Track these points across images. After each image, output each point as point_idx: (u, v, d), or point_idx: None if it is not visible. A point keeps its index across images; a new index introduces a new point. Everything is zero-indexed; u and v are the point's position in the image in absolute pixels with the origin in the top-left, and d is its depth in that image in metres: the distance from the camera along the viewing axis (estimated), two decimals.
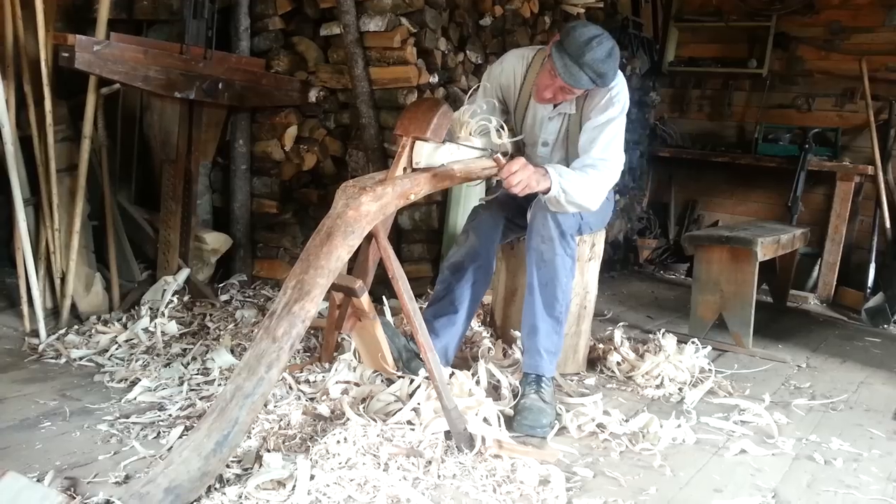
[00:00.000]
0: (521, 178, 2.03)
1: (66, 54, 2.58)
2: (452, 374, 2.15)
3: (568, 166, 2.24)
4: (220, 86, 3.05)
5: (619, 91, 2.29)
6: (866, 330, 3.85)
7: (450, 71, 3.38)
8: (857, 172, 4.44)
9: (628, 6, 5.04)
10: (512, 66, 2.44)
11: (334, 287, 2.09)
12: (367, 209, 1.89)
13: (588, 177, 2.19)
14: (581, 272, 2.55)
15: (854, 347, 3.47)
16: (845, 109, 4.73)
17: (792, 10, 4.78)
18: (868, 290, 4.23)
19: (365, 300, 2.09)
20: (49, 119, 2.65)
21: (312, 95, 3.38)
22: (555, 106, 2.38)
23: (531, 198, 2.38)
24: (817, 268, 4.58)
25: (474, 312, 2.52)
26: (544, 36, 3.82)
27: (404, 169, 2.05)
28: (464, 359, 2.57)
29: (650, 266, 5.11)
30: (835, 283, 4.46)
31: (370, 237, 2.08)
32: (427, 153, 2.07)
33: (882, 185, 4.37)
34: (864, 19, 4.64)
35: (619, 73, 2.30)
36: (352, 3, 3.11)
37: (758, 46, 4.94)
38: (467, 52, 3.45)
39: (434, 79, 3.26)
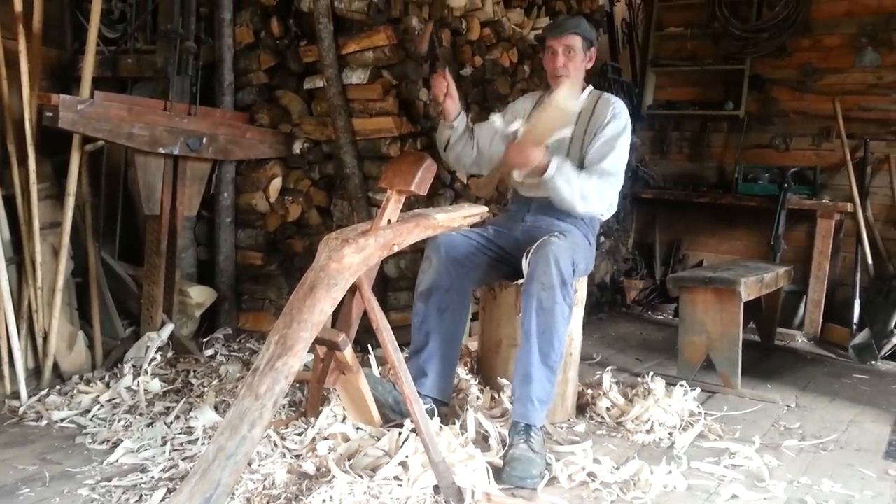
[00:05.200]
0: (521, 153, 2.38)
1: (50, 114, 2.60)
2: (441, 428, 2.13)
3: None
4: (204, 140, 3.07)
5: (621, 110, 2.62)
6: (854, 367, 3.86)
7: (432, 120, 3.42)
8: (837, 210, 4.50)
9: (606, 51, 5.17)
10: (525, 100, 2.88)
11: (317, 341, 2.08)
12: (349, 261, 1.89)
13: (588, 182, 2.48)
14: None
15: (843, 385, 3.47)
16: (822, 148, 4.83)
17: (765, 53, 4.92)
18: (854, 327, 4.25)
19: (348, 354, 2.08)
20: (33, 177, 2.66)
21: (297, 147, 3.41)
22: None
23: (515, 233, 2.54)
24: (803, 305, 4.61)
25: (459, 340, 2.53)
26: (524, 84, 3.88)
27: (388, 221, 2.07)
28: (451, 407, 2.55)
29: (638, 307, 5.12)
30: (821, 320, 4.48)
31: (354, 289, 2.08)
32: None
33: (862, 222, 4.44)
34: (834, 60, 4.77)
35: (620, 101, 2.66)
36: (334, 57, 3.17)
37: (733, 89, 5.06)
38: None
39: (417, 128, 3.30)
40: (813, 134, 4.85)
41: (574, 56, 2.59)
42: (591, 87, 2.70)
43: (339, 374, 2.19)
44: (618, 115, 2.58)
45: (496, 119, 2.68)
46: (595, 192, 2.50)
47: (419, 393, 2.33)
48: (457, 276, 2.47)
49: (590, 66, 2.68)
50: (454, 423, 2.30)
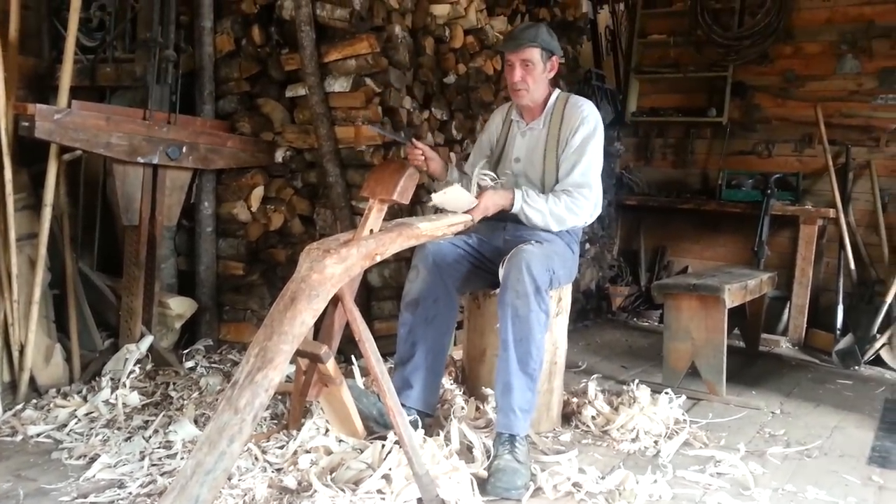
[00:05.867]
0: (486, 202, 2.39)
1: (27, 123, 2.57)
2: (425, 440, 2.11)
3: (537, 179, 2.59)
4: (184, 149, 3.04)
5: (589, 112, 2.58)
6: (838, 372, 3.87)
7: (416, 128, 3.41)
8: (820, 216, 4.52)
9: (590, 59, 5.18)
10: (495, 117, 2.86)
11: (299, 353, 2.05)
12: (331, 272, 1.86)
13: (558, 203, 2.48)
14: (549, 329, 2.53)
15: (826, 391, 3.48)
16: (804, 154, 4.86)
17: (747, 60, 4.94)
18: (837, 332, 4.27)
19: (331, 366, 2.05)
20: (9, 188, 2.61)
21: (279, 156, 3.38)
22: (527, 123, 2.66)
23: (497, 241, 2.55)
24: (787, 311, 4.62)
25: (445, 351, 2.51)
26: (507, 92, 3.87)
27: (370, 231, 2.04)
28: (435, 418, 2.53)
29: (623, 314, 5.12)
30: (805, 325, 4.50)
31: (336, 300, 2.06)
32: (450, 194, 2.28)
33: (844, 228, 4.46)
34: (816, 67, 4.81)
35: (589, 102, 2.62)
36: (316, 65, 3.15)
37: (716, 95, 5.09)
38: (432, 109, 3.49)
39: (400, 136, 3.28)
40: (795, 140, 4.88)
41: (532, 69, 2.53)
42: (558, 92, 2.68)
43: (321, 387, 2.16)
44: (586, 119, 2.55)
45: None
46: (566, 212, 2.50)
47: (404, 405, 2.32)
48: (444, 286, 2.45)
49: (551, 75, 2.62)
50: (438, 435, 2.28)
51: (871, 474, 2.41)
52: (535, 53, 2.53)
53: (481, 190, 2.47)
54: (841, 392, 3.47)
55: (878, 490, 2.29)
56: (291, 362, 1.97)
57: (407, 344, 2.45)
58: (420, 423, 2.31)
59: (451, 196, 2.32)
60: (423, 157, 2.59)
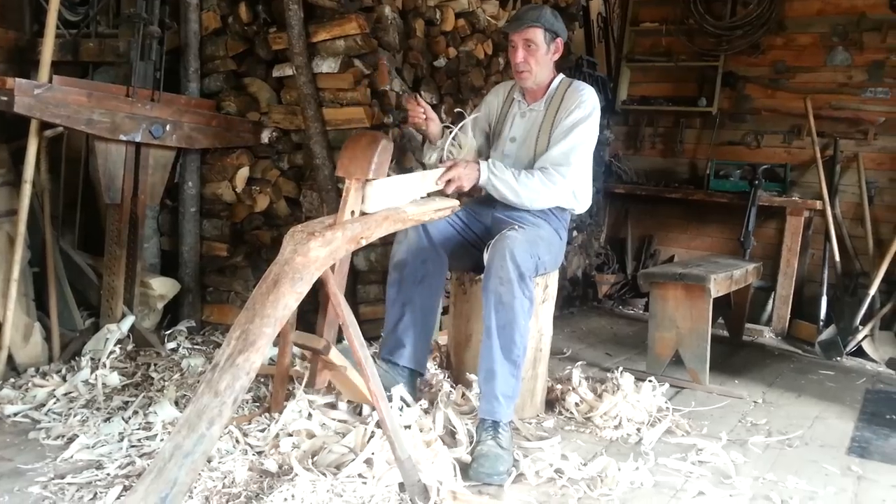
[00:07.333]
0: (452, 174, 2.31)
1: (6, 98, 2.51)
2: (408, 426, 2.10)
3: (528, 160, 2.53)
4: (167, 127, 2.99)
5: (589, 96, 2.54)
6: (820, 363, 3.90)
7: (404, 112, 3.37)
8: (806, 207, 4.54)
9: (582, 46, 5.15)
10: (498, 91, 2.82)
11: (300, 346, 2.05)
12: (315, 255, 1.84)
13: (531, 177, 2.42)
14: (535, 315, 2.53)
15: (809, 381, 3.50)
16: (793, 146, 4.87)
17: (738, 50, 4.94)
18: (821, 323, 4.30)
19: (334, 355, 2.04)
20: None
21: (265, 136, 3.34)
22: (529, 104, 2.63)
23: (486, 219, 2.55)
24: (771, 301, 4.65)
25: (435, 310, 2.53)
26: (498, 76, 3.85)
27: (352, 212, 2.01)
28: (423, 392, 2.54)
29: (609, 301, 5.13)
30: (789, 316, 4.53)
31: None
32: (375, 196, 2.02)
33: (830, 220, 4.48)
34: (807, 59, 4.81)
35: (591, 88, 2.59)
36: (304, 45, 3.10)
37: (707, 85, 5.09)
38: (422, 92, 3.45)
39: (388, 119, 3.25)
40: (784, 131, 4.89)
41: (535, 50, 2.50)
42: (561, 76, 2.66)
43: (326, 374, 2.16)
44: (583, 103, 2.51)
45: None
46: (540, 186, 2.42)
47: (397, 364, 2.40)
48: (433, 248, 2.44)
49: (556, 57, 2.58)
50: (421, 419, 2.26)
51: (851, 464, 2.43)
52: (538, 34, 2.49)
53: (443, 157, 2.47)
54: (823, 382, 3.50)
55: (856, 480, 2.31)
56: (275, 344, 1.95)
57: (396, 305, 2.46)
58: (410, 382, 2.39)
59: (403, 188, 2.18)
60: (423, 117, 2.55)
